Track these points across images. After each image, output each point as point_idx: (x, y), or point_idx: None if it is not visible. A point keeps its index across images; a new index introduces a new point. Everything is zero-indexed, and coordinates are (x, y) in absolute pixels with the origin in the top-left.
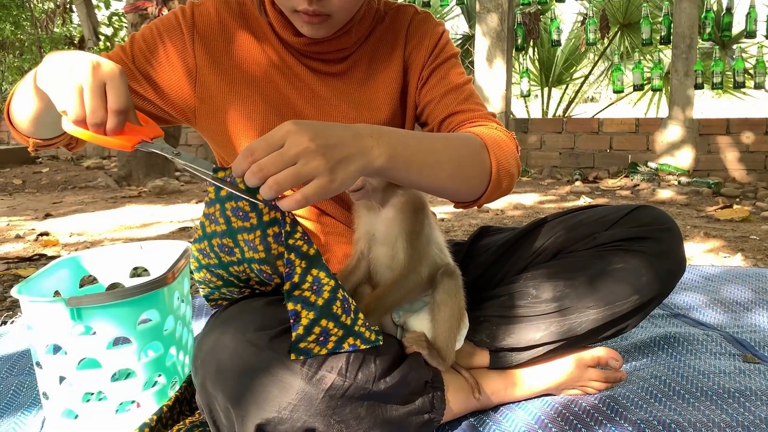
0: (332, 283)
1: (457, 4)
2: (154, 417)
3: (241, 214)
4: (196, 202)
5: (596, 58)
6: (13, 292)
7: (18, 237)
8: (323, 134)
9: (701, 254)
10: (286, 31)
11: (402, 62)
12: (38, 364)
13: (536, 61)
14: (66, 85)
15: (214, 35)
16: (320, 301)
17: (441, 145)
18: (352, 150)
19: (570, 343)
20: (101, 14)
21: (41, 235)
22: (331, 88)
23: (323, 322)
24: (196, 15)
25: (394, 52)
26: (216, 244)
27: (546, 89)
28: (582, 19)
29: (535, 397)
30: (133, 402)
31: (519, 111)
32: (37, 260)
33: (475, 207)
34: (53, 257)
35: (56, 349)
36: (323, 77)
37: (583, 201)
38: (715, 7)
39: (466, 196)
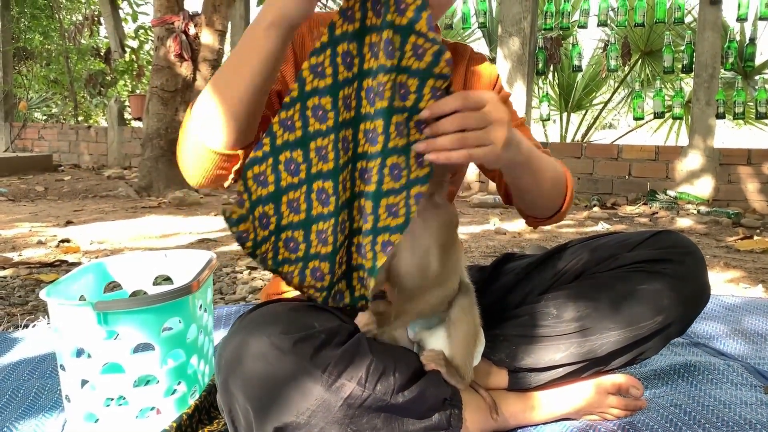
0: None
1: (479, 27)
2: (174, 424)
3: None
4: (215, 215)
5: (617, 85)
6: (42, 295)
7: (40, 243)
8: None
9: (721, 284)
10: None
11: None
12: (62, 366)
13: (556, 86)
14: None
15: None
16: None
17: (546, 161)
18: (514, 137)
19: (590, 366)
20: (128, 27)
21: (62, 241)
22: None
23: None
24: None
25: (455, 84)
26: (283, 160)
27: (565, 114)
28: (603, 45)
29: (553, 421)
30: (153, 408)
31: (538, 135)
32: (58, 266)
33: (548, 225)
34: (74, 264)
35: (80, 352)
36: None
37: (601, 227)
38: (738, 37)
39: (545, 211)
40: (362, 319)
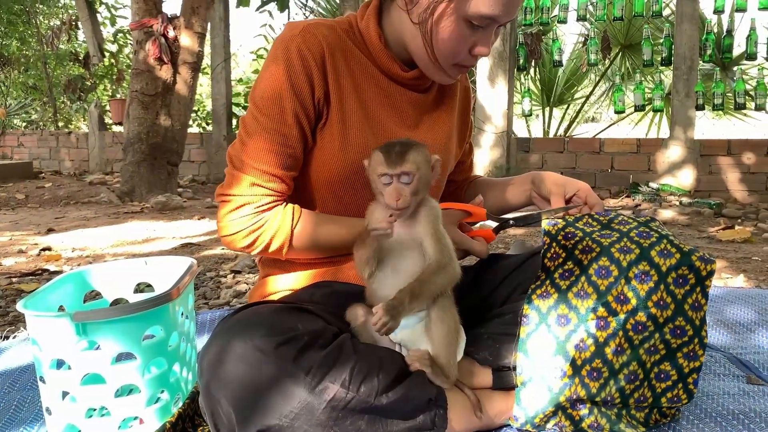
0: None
1: None
2: None
3: None
4: (198, 219)
5: (597, 79)
6: (19, 306)
7: (20, 252)
8: None
9: None
10: (392, 65)
11: (456, 99)
12: (42, 379)
13: (538, 81)
14: None
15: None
16: None
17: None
18: None
19: None
20: (106, 31)
21: (44, 249)
22: (414, 111)
23: None
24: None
25: (454, 95)
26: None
27: (547, 109)
28: (583, 40)
29: None
30: (136, 418)
31: (520, 130)
32: (40, 275)
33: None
34: (56, 272)
35: (60, 364)
36: (411, 102)
37: None
38: (715, 29)
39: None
40: (357, 311)
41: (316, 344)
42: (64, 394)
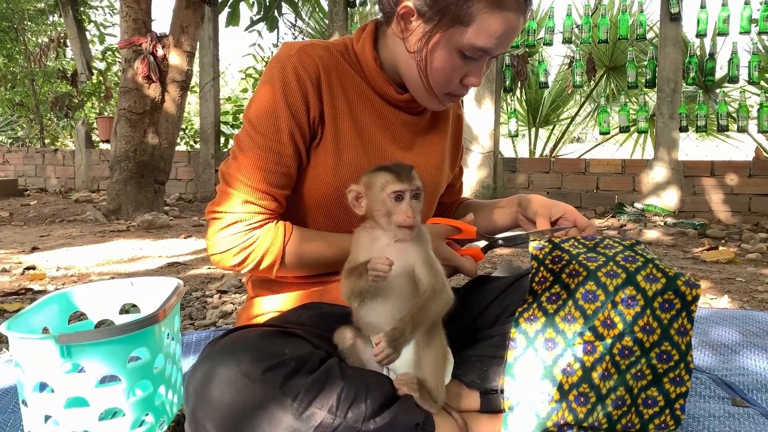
0: None
1: None
2: None
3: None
4: (185, 237)
5: (583, 100)
6: (2, 329)
7: (4, 270)
8: None
9: None
10: (388, 88)
11: (449, 123)
12: (24, 402)
13: (524, 102)
14: None
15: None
16: None
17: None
18: None
19: None
20: (95, 49)
21: (28, 268)
22: (408, 133)
23: None
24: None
25: (447, 119)
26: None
27: (533, 129)
28: (569, 62)
29: None
30: None
31: (507, 150)
32: (24, 294)
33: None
34: (40, 291)
35: (43, 386)
36: (405, 124)
37: None
38: (698, 53)
39: None
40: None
41: (303, 369)
42: (47, 417)
